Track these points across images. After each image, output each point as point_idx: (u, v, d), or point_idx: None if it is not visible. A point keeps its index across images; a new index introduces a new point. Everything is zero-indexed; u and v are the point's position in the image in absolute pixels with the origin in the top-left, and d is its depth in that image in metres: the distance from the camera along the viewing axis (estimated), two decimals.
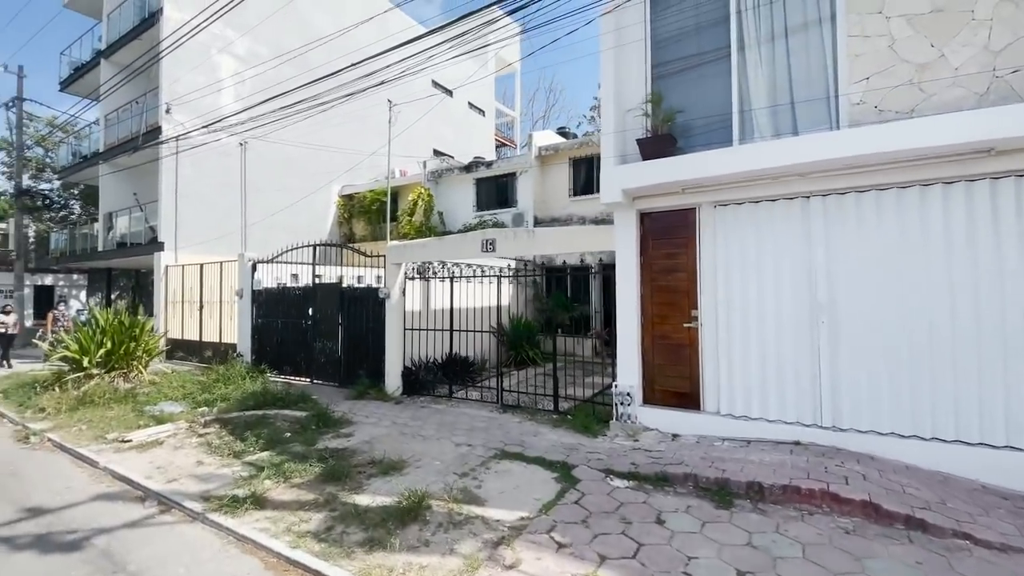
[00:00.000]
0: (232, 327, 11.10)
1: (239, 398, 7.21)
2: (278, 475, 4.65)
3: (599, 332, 9.54)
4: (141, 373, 8.52)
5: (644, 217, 6.14)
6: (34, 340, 11.59)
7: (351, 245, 10.37)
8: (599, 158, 14.21)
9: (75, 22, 21.53)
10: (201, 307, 11.89)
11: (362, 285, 9.35)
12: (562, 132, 19.43)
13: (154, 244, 13.75)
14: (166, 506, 4.20)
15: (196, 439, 5.79)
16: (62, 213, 28.50)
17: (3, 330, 11.74)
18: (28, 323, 28.86)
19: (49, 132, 25.80)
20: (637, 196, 6.02)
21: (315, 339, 9.36)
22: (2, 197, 37.78)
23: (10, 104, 19.39)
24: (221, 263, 11.47)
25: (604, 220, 12.97)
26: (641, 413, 5.99)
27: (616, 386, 6.08)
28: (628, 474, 4.74)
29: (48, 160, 26.56)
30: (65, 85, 19.08)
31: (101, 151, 15.74)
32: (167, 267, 13.18)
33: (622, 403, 6.04)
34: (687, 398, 5.87)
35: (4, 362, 11.63)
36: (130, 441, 5.67)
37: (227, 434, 5.91)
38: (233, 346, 10.70)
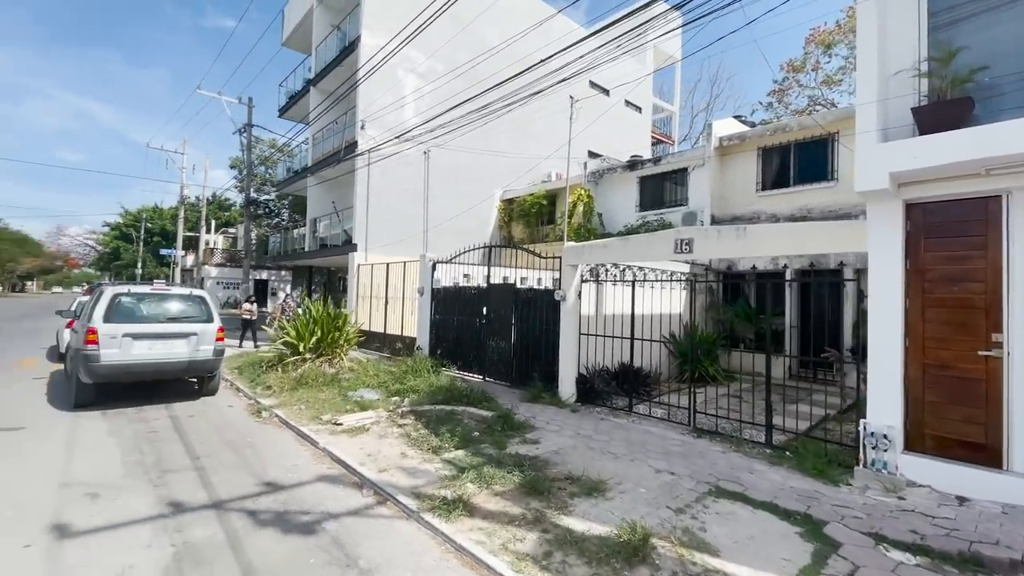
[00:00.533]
0: (412, 321, 11.88)
1: (427, 391, 7.47)
2: (480, 480, 4.48)
3: (832, 352, 8.05)
4: (342, 359, 9.43)
5: (913, 209, 4.78)
6: (263, 326, 13.72)
7: (524, 247, 10.34)
8: (798, 145, 12.48)
9: (290, 58, 25.50)
10: (386, 302, 12.98)
11: (536, 287, 9.21)
12: (739, 120, 17.43)
13: (348, 245, 15.53)
14: (381, 497, 4.26)
15: (396, 429, 6.01)
16: (276, 220, 34.44)
17: (248, 316, 14.15)
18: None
19: (270, 153, 31.46)
20: (906, 182, 4.70)
21: (488, 338, 9.45)
22: (233, 208, 47.31)
23: (242, 130, 23.70)
24: (404, 263, 12.37)
25: (805, 217, 11.10)
26: (903, 462, 4.65)
27: (866, 424, 4.82)
28: (912, 546, 3.59)
29: (268, 176, 32.32)
30: (282, 112, 22.75)
31: (309, 165, 18.38)
32: (359, 266, 14.72)
33: (874, 447, 4.76)
34: (980, 450, 4.38)
35: (245, 342, 13.96)
36: (341, 425, 6.10)
37: (422, 427, 6.04)
38: (413, 339, 11.42)
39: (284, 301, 15.07)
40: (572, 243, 8.39)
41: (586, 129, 20.36)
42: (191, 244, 34.99)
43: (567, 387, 7.93)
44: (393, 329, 12.63)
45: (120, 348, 6.82)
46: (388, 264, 13.18)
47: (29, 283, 69.96)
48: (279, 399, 7.55)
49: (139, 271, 39.39)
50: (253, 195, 27.50)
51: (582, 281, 8.23)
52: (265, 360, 9.76)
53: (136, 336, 6.97)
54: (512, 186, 18.95)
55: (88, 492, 4.19)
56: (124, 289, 7.29)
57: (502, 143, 17.86)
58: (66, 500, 4.04)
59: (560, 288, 8.11)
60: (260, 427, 6.46)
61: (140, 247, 41.72)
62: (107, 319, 6.84)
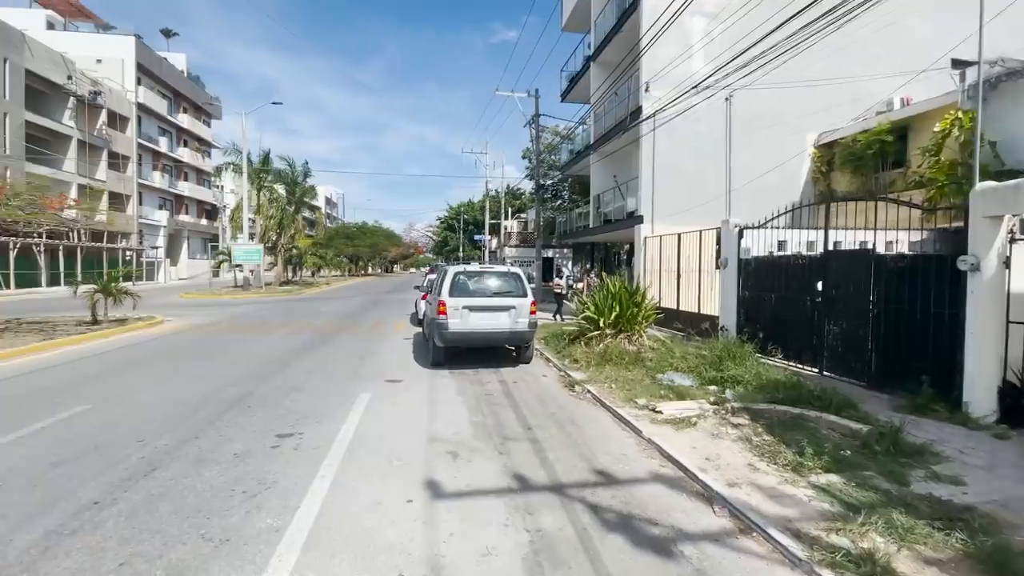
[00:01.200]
0: (710, 297, 10.51)
1: (756, 385, 6.18)
2: (891, 531, 3.08)
3: None
4: (641, 337, 8.90)
5: None
6: (564, 301, 14.62)
7: (888, 197, 7.59)
8: None
9: (569, 43, 26.00)
10: (678, 276, 11.93)
11: (914, 252, 6.64)
12: None
13: (633, 218, 15.01)
14: (742, 524, 3.36)
15: (731, 430, 5.01)
16: (557, 202, 37.17)
17: (559, 291, 15.36)
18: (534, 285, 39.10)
19: (553, 140, 33.94)
20: None
21: (827, 320, 7.36)
22: (523, 195, 53.68)
23: (530, 122, 25.73)
24: (700, 231, 11.02)
25: None
26: None
27: None
28: None
29: (552, 161, 34.93)
30: (564, 96, 23.71)
31: (591, 143, 18.58)
32: (645, 238, 14.04)
33: None
34: None
35: (557, 316, 14.90)
36: (661, 413, 5.46)
37: (764, 432, 4.86)
38: (712, 318, 10.08)
39: (588, 277, 15.64)
40: (989, 183, 5.58)
41: (939, 34, 14.37)
42: (494, 230, 41.12)
43: (979, 398, 5.38)
44: (687, 306, 11.48)
45: (461, 319, 7.86)
46: (679, 235, 12.01)
47: (395, 266, 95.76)
48: (587, 374, 7.49)
49: (460, 254, 48.92)
50: (540, 181, 29.76)
51: (1010, 240, 5.40)
52: (566, 333, 10.06)
53: (471, 308, 7.92)
54: (831, 127, 14.96)
55: (449, 450, 4.64)
56: (461, 268, 8.40)
57: (814, 73, 14.15)
58: (433, 455, 4.53)
59: (970, 252, 5.50)
60: (575, 403, 6.41)
61: (460, 235, 51.67)
62: (451, 293, 7.96)
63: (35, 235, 29.06)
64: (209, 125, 54.34)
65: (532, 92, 24.07)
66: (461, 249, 50.04)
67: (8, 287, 27.71)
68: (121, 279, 13.80)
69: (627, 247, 32.49)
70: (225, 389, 6.77)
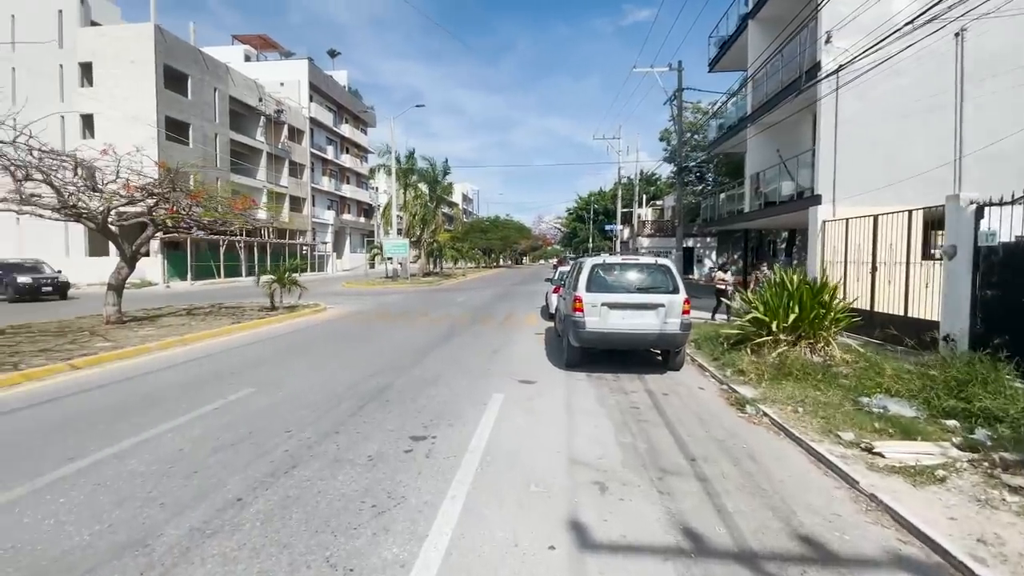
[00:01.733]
0: (925, 297, 8.16)
1: None
2: None
3: None
4: (829, 346, 7.16)
5: None
6: (723, 299, 12.80)
7: None
8: None
9: (718, 8, 23.02)
10: (873, 269, 9.57)
11: None
12: None
13: (806, 199, 12.60)
14: None
15: (1008, 495, 3.44)
16: (700, 186, 33.91)
17: (722, 286, 13.10)
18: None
19: (696, 118, 30.91)
20: None
21: None
22: (659, 181, 50.29)
23: (672, 98, 23.52)
24: (908, 212, 8.63)
25: None
26: None
27: None
28: None
29: (695, 141, 31.91)
30: (713, 65, 21.15)
31: (748, 113, 16.16)
32: (823, 222, 11.65)
33: None
34: None
35: (719, 315, 12.80)
36: (881, 456, 4.04)
37: None
38: (928, 324, 7.78)
39: (758, 271, 13.44)
40: None
41: None
42: (626, 219, 39.16)
43: None
44: (888, 307, 9.12)
45: (600, 317, 7.02)
46: (875, 217, 9.61)
47: (524, 258, 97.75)
48: (759, 390, 6.13)
49: (590, 246, 47.71)
50: (681, 161, 27.30)
51: None
52: (723, 336, 8.63)
53: (611, 306, 7.03)
54: None
55: (595, 480, 3.88)
56: (600, 260, 7.53)
57: None
58: (576, 484, 3.82)
59: None
60: (749, 428, 5.19)
61: (590, 226, 50.43)
62: (588, 288, 7.16)
63: (236, 233, 35.12)
64: (365, 133, 60.55)
65: (674, 65, 22.02)
66: (591, 240, 48.74)
67: (219, 276, 33.85)
68: (294, 271, 15.53)
69: (786, 235, 28.51)
70: (368, 380, 6.86)
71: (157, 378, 7.08)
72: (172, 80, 31.59)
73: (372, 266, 41.27)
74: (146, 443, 4.53)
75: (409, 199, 33.72)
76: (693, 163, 31.85)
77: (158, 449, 4.40)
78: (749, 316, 7.69)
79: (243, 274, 36.18)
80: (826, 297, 7.24)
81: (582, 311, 7.04)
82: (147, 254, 11.95)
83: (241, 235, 35.73)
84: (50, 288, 18.30)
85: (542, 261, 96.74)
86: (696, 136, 31.19)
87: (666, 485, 3.80)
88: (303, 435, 4.77)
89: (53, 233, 28.35)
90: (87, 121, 30.29)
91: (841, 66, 11.12)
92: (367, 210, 58.03)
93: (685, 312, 7.00)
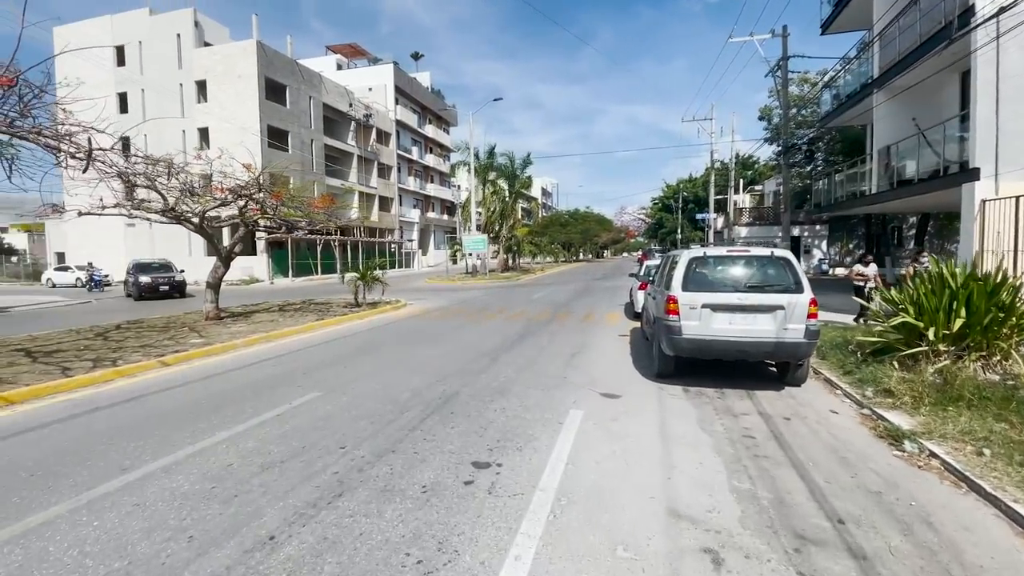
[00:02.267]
0: None
1: None
2: None
3: None
4: (1009, 360, 5.46)
5: None
6: (854, 298, 10.38)
7: None
8: None
9: None
10: None
11: None
12: None
13: (958, 174, 10.26)
14: None
15: None
16: (808, 167, 30.19)
17: (860, 282, 10.35)
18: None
19: (804, 90, 27.44)
20: None
21: None
22: (756, 165, 45.85)
23: (775, 68, 20.88)
24: None
25: None
26: None
27: None
28: None
29: (801, 117, 28.43)
30: (826, 26, 18.39)
31: (874, 77, 13.69)
32: (983, 202, 9.36)
33: None
34: None
35: (859, 318, 10.12)
36: None
37: None
38: None
39: (916, 262, 10.60)
40: None
41: None
42: (719, 207, 36.09)
43: None
44: None
45: (700, 320, 5.89)
46: None
47: (605, 251, 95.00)
48: (918, 419, 4.71)
49: (678, 237, 44.78)
50: (787, 139, 24.50)
51: None
52: (857, 343, 7.07)
53: (715, 307, 5.87)
54: None
55: (704, 546, 2.93)
56: (700, 252, 6.35)
57: None
58: (680, 551, 2.89)
59: None
60: (912, 474, 3.89)
61: (678, 215, 47.33)
62: (685, 287, 6.04)
63: (330, 233, 37.32)
64: (448, 132, 61.82)
65: (778, 31, 19.53)
66: (679, 231, 45.70)
67: (316, 273, 36.10)
68: (377, 269, 15.73)
69: (916, 219, 24.55)
70: (434, 386, 6.34)
71: (233, 377, 7.09)
72: (272, 91, 34.02)
73: (454, 262, 41.99)
74: (199, 455, 4.28)
75: (487, 195, 33.59)
76: (801, 141, 28.34)
77: (207, 463, 4.11)
78: (895, 320, 6.11)
79: (337, 271, 38.33)
80: (1004, 297, 5.52)
81: (677, 313, 5.95)
82: (239, 254, 12.48)
83: (335, 234, 37.89)
84: (167, 287, 20.20)
85: (625, 254, 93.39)
86: (803, 112, 27.71)
87: (807, 563, 2.75)
88: (357, 453, 4.27)
89: (179, 235, 31.81)
90: (203, 133, 33.53)
91: (1003, 8, 8.84)
92: (450, 207, 59.27)
93: (811, 316, 5.66)
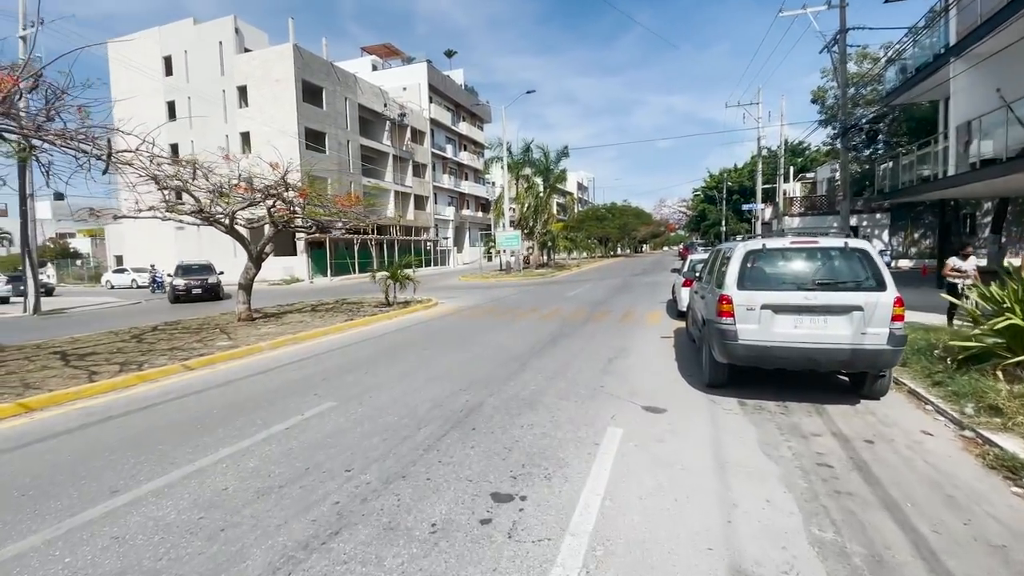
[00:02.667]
0: None
1: None
2: None
3: None
4: None
5: None
6: (945, 296, 8.60)
7: None
8: None
9: None
10: None
11: None
12: None
13: None
14: None
15: None
16: (868, 151, 27.94)
17: (956, 279, 8.52)
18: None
19: (863, 67, 25.34)
20: None
21: None
22: (807, 151, 43.08)
23: (831, 44, 19.18)
24: None
25: None
26: None
27: None
28: None
29: (860, 96, 26.29)
30: None
31: (951, 45, 12.19)
32: None
33: None
34: None
35: (955, 320, 8.50)
36: None
37: None
38: None
39: (961, 257, 8.87)
40: None
41: None
42: (768, 196, 34.09)
43: None
44: None
45: (759, 324, 5.10)
46: None
47: (644, 246, 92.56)
48: None
49: (723, 228, 42.74)
50: (845, 119, 22.70)
51: None
52: (945, 346, 6.07)
53: (778, 309, 5.07)
54: None
55: None
56: (757, 244, 5.53)
57: None
58: None
59: None
60: None
61: (722, 206, 45.19)
62: (741, 285, 5.26)
63: (366, 231, 37.72)
64: (482, 129, 61.54)
65: (834, 1, 17.92)
66: (724, 223, 43.60)
67: (353, 272, 36.58)
68: (407, 267, 15.47)
69: (991, 205, 22.34)
70: (456, 396, 5.83)
71: (251, 384, 6.80)
72: (309, 94, 34.57)
73: (489, 259, 41.69)
74: (195, 476, 3.91)
75: (521, 191, 32.98)
76: (862, 122, 26.06)
77: (202, 487, 3.72)
78: (1000, 322, 5.10)
79: (374, 269, 38.76)
80: None
81: (732, 316, 5.19)
82: (274, 254, 12.44)
83: (372, 233, 38.29)
84: (200, 290, 20.50)
85: (665, 248, 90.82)
86: (863, 90, 25.55)
87: None
88: (363, 478, 3.79)
89: (224, 237, 32.93)
90: (245, 138, 34.46)
91: None
92: (484, 204, 59.09)
93: (896, 318, 4.77)
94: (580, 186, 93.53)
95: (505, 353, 8.09)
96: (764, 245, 5.43)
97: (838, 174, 31.36)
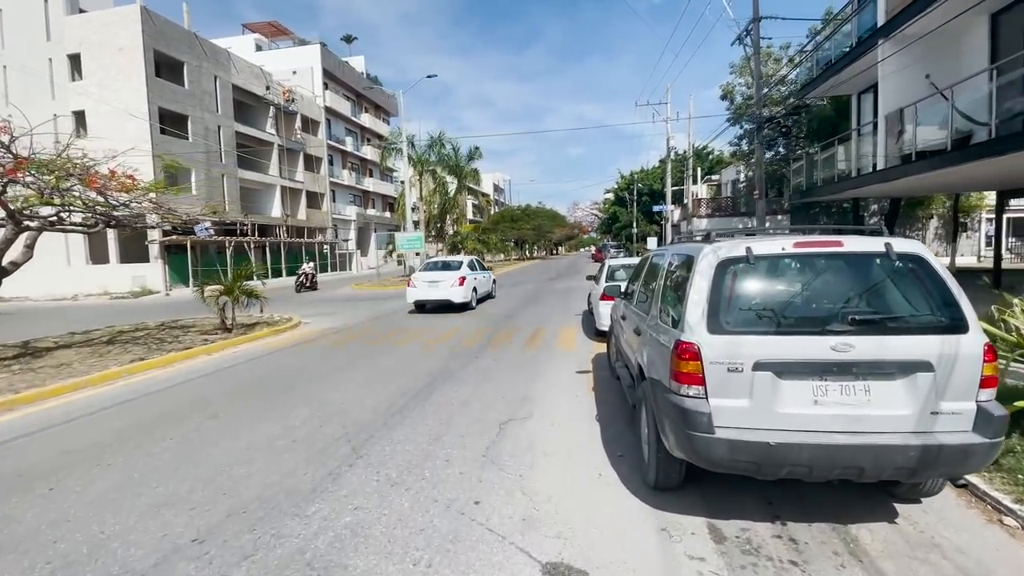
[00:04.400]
0: None
1: None
2: None
3: None
4: None
5: None
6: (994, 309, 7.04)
7: None
8: None
9: None
10: None
11: None
12: None
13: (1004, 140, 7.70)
14: None
15: None
16: (770, 154, 28.27)
17: None
18: None
19: (767, 64, 25.39)
20: None
21: None
22: (712, 156, 44.35)
23: (744, 34, 18.28)
24: None
25: None
26: None
27: None
28: None
29: (771, 95, 26.33)
30: None
31: (879, 25, 11.19)
32: None
33: None
34: None
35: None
36: None
37: None
38: None
39: None
40: None
41: None
42: (676, 199, 33.97)
43: None
44: None
45: (751, 399, 2.72)
46: None
47: (559, 248, 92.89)
48: None
49: (634, 230, 42.52)
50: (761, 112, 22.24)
51: None
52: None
53: (782, 369, 2.71)
54: None
55: None
56: (738, 251, 3.09)
57: None
58: None
59: None
60: None
61: (633, 208, 45.08)
62: (714, 324, 2.84)
63: (242, 233, 32.44)
64: (388, 123, 57.24)
65: None
66: (635, 224, 43.49)
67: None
68: (248, 279, 11.86)
69: (878, 206, 23.02)
70: (225, 535, 2.86)
71: None
72: (166, 68, 28.88)
73: (399, 263, 38.02)
74: None
75: (427, 190, 29.85)
76: (779, 115, 25.79)
77: None
78: None
79: (253, 278, 33.48)
80: None
81: (700, 382, 2.76)
82: (20, 264, 8.31)
83: (252, 235, 33.06)
84: None
85: (581, 250, 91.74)
86: (771, 91, 25.54)
87: None
88: None
89: (55, 241, 26.30)
90: (79, 118, 27.92)
91: None
92: (392, 204, 54.89)
93: (988, 383, 2.60)
94: (496, 188, 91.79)
95: (339, 422, 5.13)
96: (750, 251, 3.01)
97: (743, 175, 31.84)
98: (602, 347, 8.06)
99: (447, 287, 13.38)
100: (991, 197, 27.17)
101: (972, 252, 32.36)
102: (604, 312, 8.31)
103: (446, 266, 14.49)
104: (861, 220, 29.65)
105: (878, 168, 11.12)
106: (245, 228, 33.68)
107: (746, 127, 25.95)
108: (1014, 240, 28.24)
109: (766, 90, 24.77)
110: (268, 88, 37.06)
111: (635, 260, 10.03)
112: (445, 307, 13.80)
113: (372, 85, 49.06)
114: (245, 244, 32.66)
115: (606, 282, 9.02)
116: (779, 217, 29.42)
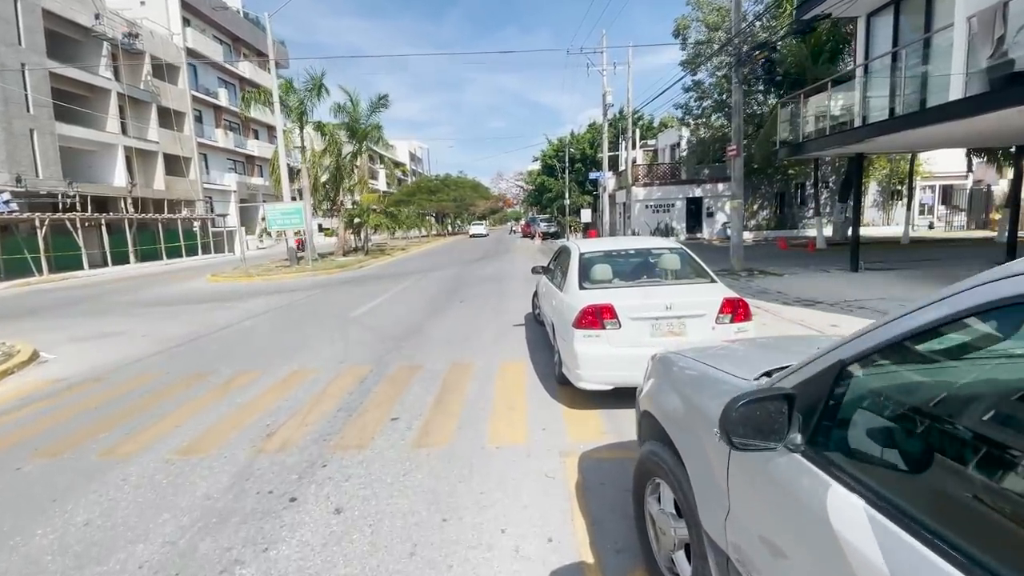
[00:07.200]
0: None
1: None
2: None
3: None
4: None
5: None
6: None
7: None
8: None
9: None
10: None
11: None
12: None
13: None
14: None
15: None
16: (714, 117, 25.30)
17: None
18: (682, 238, 28.06)
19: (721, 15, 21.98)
20: None
21: None
22: (644, 122, 41.41)
23: None
24: None
25: None
26: None
27: None
28: None
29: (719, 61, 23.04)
30: None
31: None
32: None
33: None
34: None
35: None
36: None
37: None
38: None
39: None
40: None
41: None
42: (613, 166, 30.53)
43: None
44: None
45: None
46: None
47: (484, 221, 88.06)
48: None
49: (566, 202, 38.82)
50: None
51: None
52: None
53: None
54: None
55: None
56: None
57: None
58: None
59: None
60: None
61: (566, 176, 41.11)
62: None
63: (54, 207, 24.48)
64: (279, 77, 48.42)
65: None
66: (567, 195, 39.80)
67: (41, 273, 23.23)
68: None
69: (824, 172, 20.86)
70: None
71: None
72: None
73: (298, 245, 31.34)
74: None
75: (314, 150, 23.76)
76: (763, 47, 22.00)
77: None
78: None
79: (85, 266, 25.65)
80: None
81: None
82: None
83: (75, 209, 25.08)
84: None
85: (510, 224, 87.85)
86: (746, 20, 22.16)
87: None
88: None
89: None
90: None
91: None
92: (290, 172, 46.83)
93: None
94: (413, 156, 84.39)
95: None
96: None
97: (686, 140, 28.92)
98: (598, 454, 3.82)
99: None
100: (928, 164, 26.32)
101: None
102: (583, 351, 4.07)
103: None
104: (796, 188, 27.69)
105: (953, 98, 7.63)
106: (71, 201, 25.56)
107: (707, 74, 22.49)
108: (943, 208, 28.00)
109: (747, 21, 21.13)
110: (98, 17, 28.21)
111: (613, 242, 6.18)
112: (314, 316, 8.80)
113: (260, 33, 40.36)
114: (69, 222, 24.66)
115: (584, 286, 4.69)
116: (720, 187, 26.80)
